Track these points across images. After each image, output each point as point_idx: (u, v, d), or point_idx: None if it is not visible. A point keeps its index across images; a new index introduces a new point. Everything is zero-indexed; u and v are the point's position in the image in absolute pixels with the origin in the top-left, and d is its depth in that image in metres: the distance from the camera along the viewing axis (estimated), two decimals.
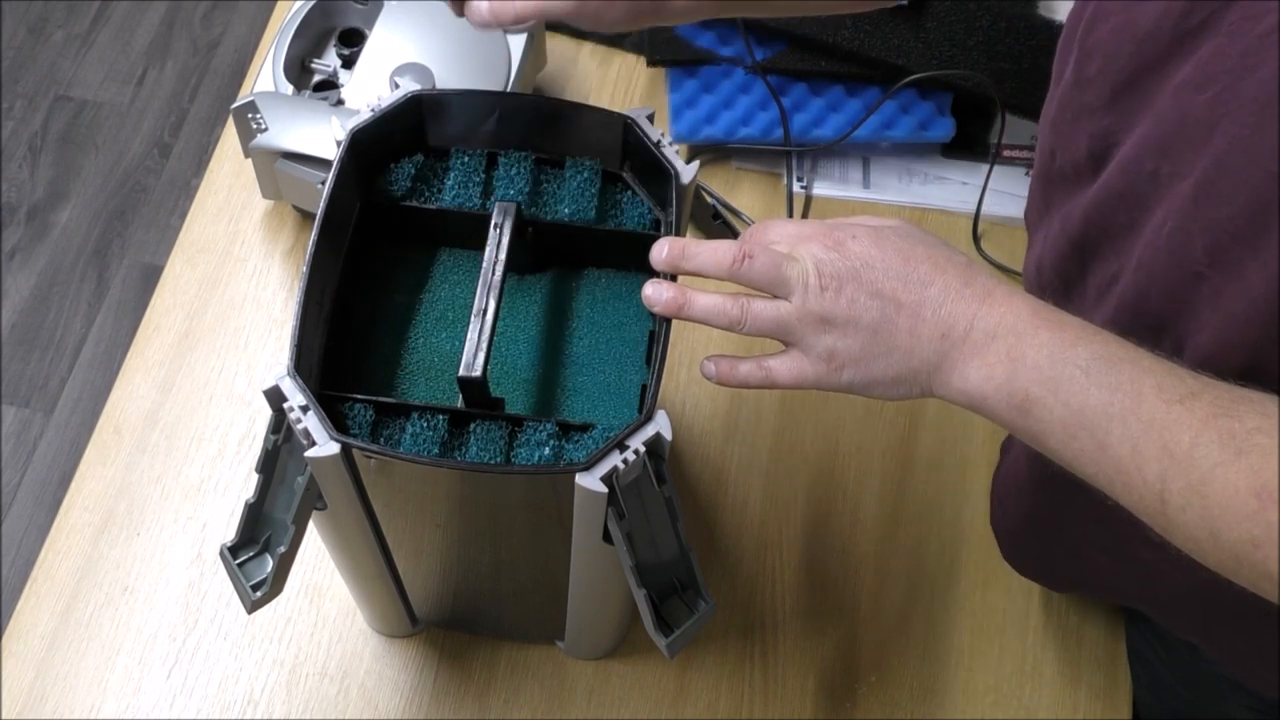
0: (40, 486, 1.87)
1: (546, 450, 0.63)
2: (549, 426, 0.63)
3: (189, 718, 0.85)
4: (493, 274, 0.66)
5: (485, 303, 0.65)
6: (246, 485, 0.92)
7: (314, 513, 0.65)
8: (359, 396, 0.63)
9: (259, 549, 0.64)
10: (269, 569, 0.63)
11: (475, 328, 0.64)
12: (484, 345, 0.64)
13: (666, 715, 0.86)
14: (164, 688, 0.86)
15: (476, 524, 0.71)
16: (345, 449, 0.60)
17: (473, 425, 0.63)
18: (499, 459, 0.63)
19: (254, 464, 0.64)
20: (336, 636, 0.88)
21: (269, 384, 0.61)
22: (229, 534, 0.64)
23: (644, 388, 0.68)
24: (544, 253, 0.73)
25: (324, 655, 0.87)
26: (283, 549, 0.63)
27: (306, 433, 0.60)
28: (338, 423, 0.62)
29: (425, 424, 0.63)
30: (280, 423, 0.63)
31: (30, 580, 0.89)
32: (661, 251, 0.66)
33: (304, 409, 0.60)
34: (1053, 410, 0.55)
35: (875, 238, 0.62)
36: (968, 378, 0.58)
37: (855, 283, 0.61)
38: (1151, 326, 0.59)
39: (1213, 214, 0.53)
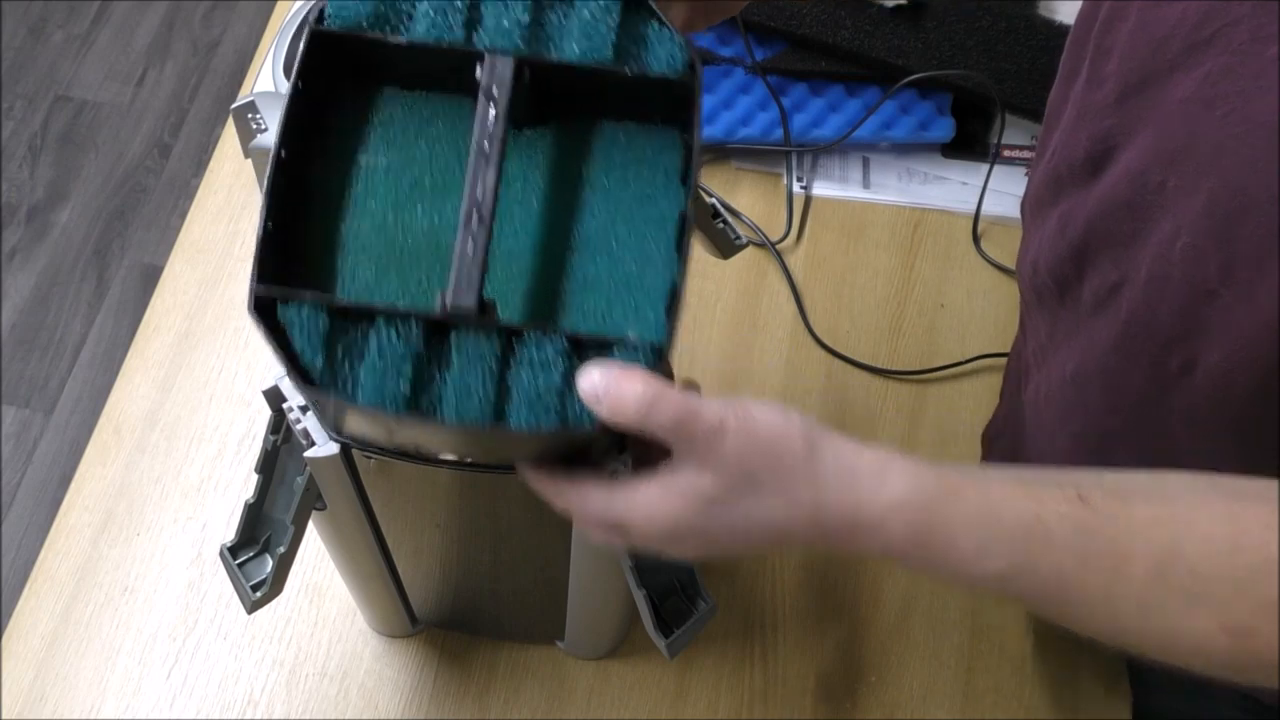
0: (40, 487, 1.87)
1: (556, 375, 0.50)
2: (555, 342, 0.50)
3: (189, 718, 0.85)
4: (484, 164, 0.51)
5: (477, 207, 0.50)
6: (246, 485, 0.92)
7: (314, 513, 0.65)
8: (307, 294, 0.50)
9: (259, 549, 0.64)
10: (269, 569, 0.63)
11: (465, 242, 0.49)
12: (478, 266, 0.49)
13: (666, 715, 0.86)
14: (164, 688, 0.86)
15: (476, 524, 0.71)
16: (344, 449, 0.60)
17: (455, 337, 0.50)
18: (488, 385, 0.50)
19: (254, 464, 0.64)
20: (336, 637, 0.88)
21: (268, 384, 0.61)
22: (229, 534, 0.64)
23: None
24: (546, 102, 0.56)
25: (324, 655, 0.87)
26: (282, 549, 0.63)
27: (306, 433, 0.60)
28: (280, 336, 0.49)
29: (394, 335, 0.49)
30: (279, 423, 0.63)
31: (30, 580, 0.89)
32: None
33: (303, 409, 0.60)
34: (971, 593, 0.52)
35: (697, 544, 0.52)
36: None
37: (710, 552, 0.53)
38: (1161, 342, 0.59)
39: (1225, 234, 0.53)
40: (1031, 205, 0.75)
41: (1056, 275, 0.69)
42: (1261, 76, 0.50)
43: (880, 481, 0.50)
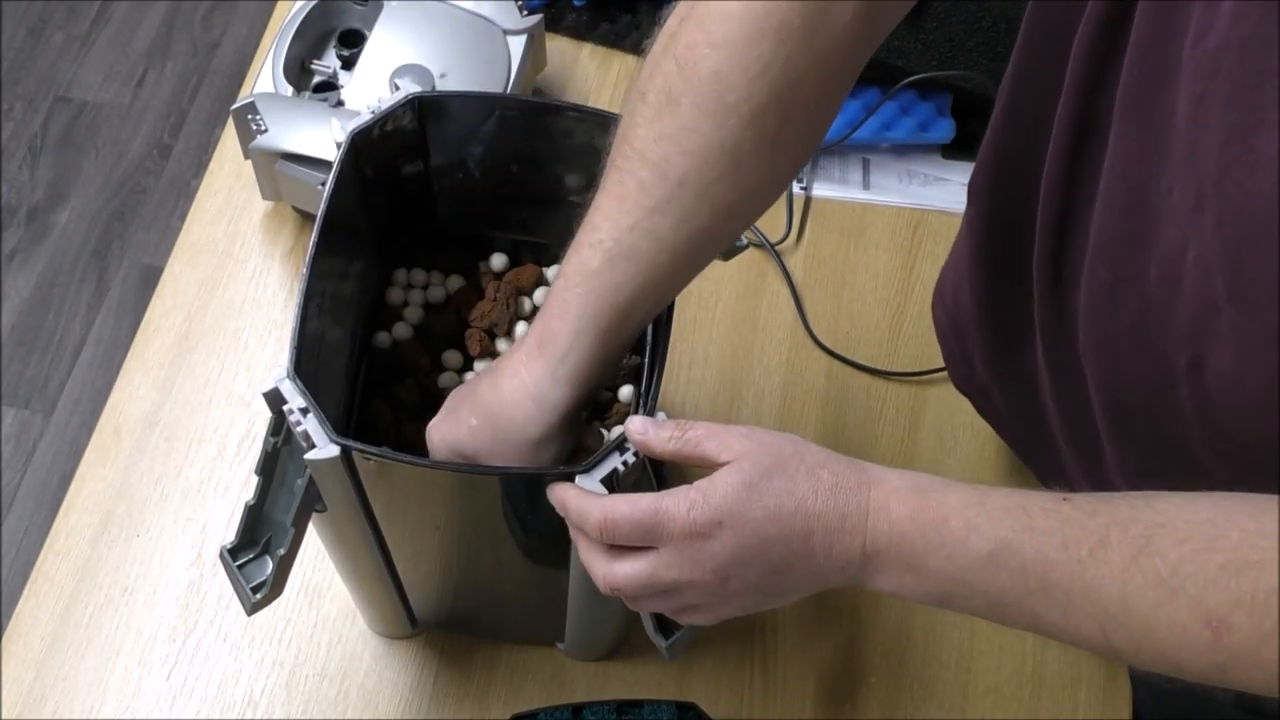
0: (40, 488, 1.87)
1: None
2: None
3: (188, 719, 0.85)
4: None
5: None
6: (246, 487, 0.92)
7: (314, 515, 0.65)
8: None
9: (259, 551, 0.64)
10: (269, 571, 0.63)
11: None
12: None
13: None
14: (164, 689, 0.86)
15: (476, 526, 0.71)
16: (345, 451, 0.60)
17: None
18: None
19: (254, 466, 0.64)
20: (336, 638, 0.88)
21: (268, 386, 0.61)
22: (229, 535, 0.64)
23: (643, 390, 0.68)
24: None
25: (324, 657, 0.87)
26: (282, 551, 0.63)
27: (306, 435, 0.60)
28: None
29: None
30: (280, 425, 0.63)
31: (30, 581, 0.89)
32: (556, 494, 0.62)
33: (304, 411, 0.60)
34: (971, 600, 0.56)
35: (735, 536, 0.58)
36: (882, 586, 0.59)
37: (744, 567, 0.60)
38: (1174, 342, 0.59)
39: (1235, 255, 0.53)
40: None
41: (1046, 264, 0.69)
42: (1262, 109, 0.50)
43: (883, 471, 0.58)
